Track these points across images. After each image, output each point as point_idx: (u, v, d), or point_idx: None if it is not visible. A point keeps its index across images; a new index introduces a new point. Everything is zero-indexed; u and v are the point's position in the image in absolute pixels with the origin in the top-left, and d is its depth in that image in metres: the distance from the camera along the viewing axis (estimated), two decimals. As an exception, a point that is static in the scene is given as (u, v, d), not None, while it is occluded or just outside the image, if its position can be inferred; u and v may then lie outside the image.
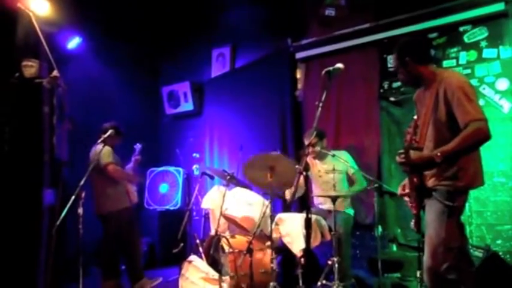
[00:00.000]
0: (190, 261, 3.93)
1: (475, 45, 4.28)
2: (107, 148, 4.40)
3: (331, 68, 2.74)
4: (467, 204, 4.06)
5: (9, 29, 4.03)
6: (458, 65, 4.35)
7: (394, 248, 4.60)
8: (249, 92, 5.87)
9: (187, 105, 6.65)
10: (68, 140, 4.29)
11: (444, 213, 2.52)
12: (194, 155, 5.73)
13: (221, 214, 3.97)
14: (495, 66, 4.17)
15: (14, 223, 3.81)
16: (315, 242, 3.79)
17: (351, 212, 4.30)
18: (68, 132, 4.29)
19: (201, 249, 4.19)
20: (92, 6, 5.50)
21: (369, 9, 4.89)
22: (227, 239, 3.87)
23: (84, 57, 5.53)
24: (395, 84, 4.72)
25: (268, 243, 3.71)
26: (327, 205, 4.04)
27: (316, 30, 5.30)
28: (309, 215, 2.63)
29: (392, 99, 4.80)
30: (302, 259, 3.68)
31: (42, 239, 3.89)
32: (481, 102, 4.17)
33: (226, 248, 3.84)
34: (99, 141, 4.18)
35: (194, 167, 5.71)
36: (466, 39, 4.34)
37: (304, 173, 2.68)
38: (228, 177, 4.07)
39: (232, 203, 4.04)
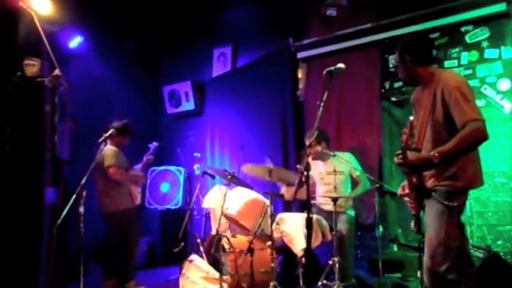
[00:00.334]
0: (191, 261, 3.94)
1: (477, 46, 4.28)
2: (111, 148, 4.40)
3: (332, 68, 2.74)
4: (468, 205, 4.06)
5: (11, 27, 4.03)
6: (459, 65, 4.35)
7: (395, 248, 4.60)
8: (250, 91, 5.87)
9: (188, 105, 6.66)
10: (69, 139, 4.30)
11: (444, 213, 2.52)
12: (195, 154, 5.74)
13: (222, 213, 3.97)
14: (497, 66, 4.17)
15: (15, 222, 3.81)
16: (316, 241, 3.79)
17: (352, 213, 4.29)
18: (70, 131, 4.29)
19: (201, 249, 4.19)
20: (94, 6, 5.50)
21: (371, 9, 4.89)
22: (228, 239, 3.88)
23: (85, 56, 5.53)
24: (397, 85, 4.72)
25: (269, 242, 3.71)
26: (329, 206, 4.04)
27: (317, 30, 5.29)
28: (310, 215, 2.63)
29: (393, 99, 4.80)
30: (303, 259, 3.68)
31: (43, 238, 3.89)
32: (482, 102, 4.17)
33: (227, 248, 3.84)
34: (100, 140, 4.18)
35: (195, 166, 5.71)
36: (467, 39, 4.34)
37: (305, 173, 2.68)
38: (229, 176, 4.07)
39: (233, 203, 4.04)
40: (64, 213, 3.53)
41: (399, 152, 2.54)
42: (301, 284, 3.67)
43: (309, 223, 2.63)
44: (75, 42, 5.23)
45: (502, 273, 3.46)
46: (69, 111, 4.19)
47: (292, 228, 3.84)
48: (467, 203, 4.01)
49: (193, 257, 3.99)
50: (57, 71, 3.95)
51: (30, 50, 4.09)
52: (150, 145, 4.84)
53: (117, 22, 5.95)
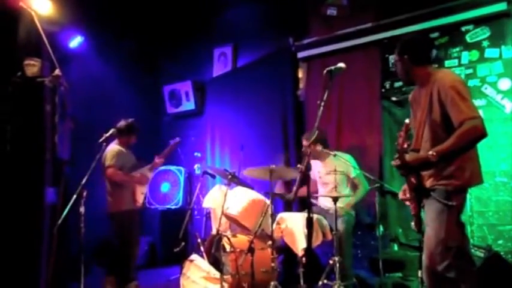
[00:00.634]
0: (191, 260, 3.94)
1: (477, 45, 4.28)
2: (113, 149, 4.40)
3: (332, 68, 2.74)
4: (468, 204, 4.07)
5: (11, 27, 4.03)
6: (460, 65, 4.35)
7: (396, 247, 4.60)
8: (251, 91, 5.86)
9: (188, 105, 6.66)
10: (69, 139, 4.29)
11: (443, 212, 2.52)
12: (196, 154, 5.73)
13: (222, 213, 3.97)
14: (497, 66, 4.17)
15: (16, 221, 3.81)
16: (316, 241, 3.79)
17: (352, 213, 4.29)
18: (70, 131, 4.29)
19: (202, 249, 4.19)
20: (94, 6, 5.51)
21: (371, 9, 4.89)
22: (228, 238, 3.88)
23: (86, 56, 5.54)
24: (397, 84, 4.72)
25: (270, 242, 3.71)
26: (329, 205, 4.04)
27: (317, 29, 5.29)
28: (311, 215, 2.63)
29: (394, 99, 4.80)
30: (303, 258, 3.68)
31: (43, 238, 3.89)
32: (483, 102, 4.17)
33: (228, 247, 3.84)
34: (101, 140, 4.17)
35: (196, 166, 5.71)
36: (468, 39, 4.34)
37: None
38: (230, 176, 4.07)
39: (233, 202, 4.04)
40: (65, 213, 3.53)
41: (396, 155, 2.54)
42: (301, 283, 3.67)
43: (309, 223, 2.63)
44: (76, 42, 5.24)
45: (503, 272, 3.45)
46: (69, 111, 4.19)
47: (293, 227, 3.84)
48: (468, 202, 4.04)
49: (194, 256, 3.99)
50: (57, 71, 3.94)
51: (31, 50, 4.09)
52: (170, 141, 4.79)
53: (117, 22, 5.95)
